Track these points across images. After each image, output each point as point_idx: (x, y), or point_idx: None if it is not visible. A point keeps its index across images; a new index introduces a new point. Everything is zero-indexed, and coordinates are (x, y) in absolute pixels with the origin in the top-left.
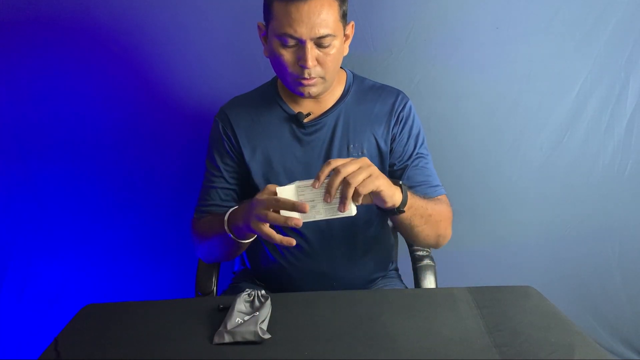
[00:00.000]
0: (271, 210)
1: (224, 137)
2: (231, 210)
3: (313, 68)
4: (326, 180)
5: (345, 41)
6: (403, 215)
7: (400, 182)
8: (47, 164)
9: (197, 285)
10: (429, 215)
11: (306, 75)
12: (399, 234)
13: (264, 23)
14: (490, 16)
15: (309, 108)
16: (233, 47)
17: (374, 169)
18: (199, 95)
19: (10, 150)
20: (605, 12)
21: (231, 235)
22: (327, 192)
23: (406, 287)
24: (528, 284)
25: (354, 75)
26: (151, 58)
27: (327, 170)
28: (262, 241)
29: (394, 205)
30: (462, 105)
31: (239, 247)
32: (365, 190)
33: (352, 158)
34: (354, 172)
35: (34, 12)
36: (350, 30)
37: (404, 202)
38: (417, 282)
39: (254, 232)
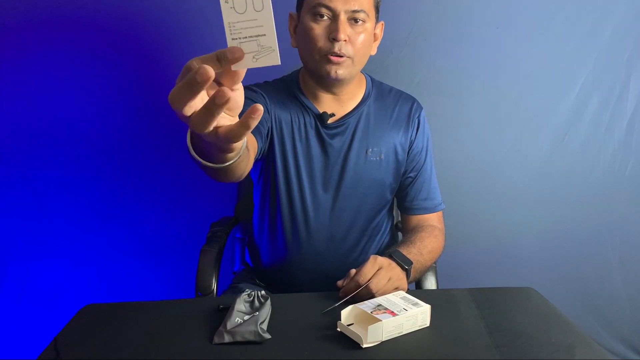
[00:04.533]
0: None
1: (260, 95)
2: None
3: (344, 44)
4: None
5: (374, 40)
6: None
7: (407, 267)
8: (47, 164)
9: (197, 285)
10: (429, 265)
11: (336, 50)
12: (399, 234)
13: (295, 13)
14: (491, 16)
15: (332, 109)
16: None
17: (394, 273)
18: None
19: (10, 150)
20: (605, 12)
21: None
22: (346, 292)
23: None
24: (528, 284)
25: (372, 79)
26: (151, 58)
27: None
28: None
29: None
30: (463, 105)
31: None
32: (379, 294)
33: (379, 268)
34: (382, 288)
35: (34, 13)
36: (379, 30)
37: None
38: (418, 283)
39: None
